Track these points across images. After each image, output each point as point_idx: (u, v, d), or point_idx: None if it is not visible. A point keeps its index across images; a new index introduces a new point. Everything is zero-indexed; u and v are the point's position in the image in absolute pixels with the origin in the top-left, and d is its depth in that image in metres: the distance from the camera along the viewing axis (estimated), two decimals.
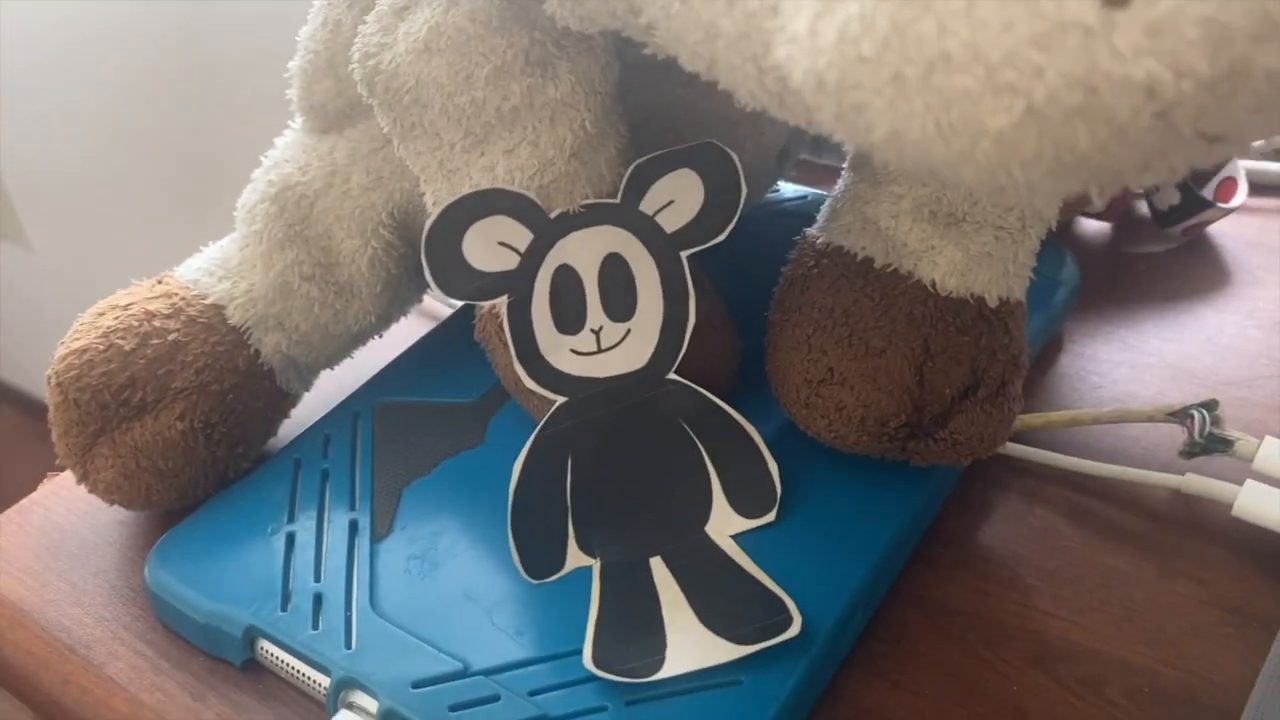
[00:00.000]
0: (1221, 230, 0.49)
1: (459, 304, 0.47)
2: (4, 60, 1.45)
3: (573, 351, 0.34)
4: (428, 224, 0.31)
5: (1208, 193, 0.47)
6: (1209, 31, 0.16)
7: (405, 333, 0.44)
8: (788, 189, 0.50)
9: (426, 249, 0.31)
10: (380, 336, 0.42)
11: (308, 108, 0.39)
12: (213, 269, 0.39)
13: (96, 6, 1.29)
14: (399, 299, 0.40)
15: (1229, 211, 0.47)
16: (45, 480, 0.42)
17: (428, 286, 0.42)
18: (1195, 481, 0.36)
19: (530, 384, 0.33)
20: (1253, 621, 0.33)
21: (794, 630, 0.30)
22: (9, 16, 1.39)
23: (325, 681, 0.32)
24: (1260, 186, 0.51)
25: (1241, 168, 0.49)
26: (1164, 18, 0.16)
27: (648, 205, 0.33)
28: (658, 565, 0.33)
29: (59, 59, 1.39)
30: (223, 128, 1.24)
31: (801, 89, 0.20)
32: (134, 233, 1.47)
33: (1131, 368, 0.42)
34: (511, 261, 0.32)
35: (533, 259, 0.33)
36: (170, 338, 0.36)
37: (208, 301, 0.38)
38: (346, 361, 0.42)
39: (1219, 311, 0.45)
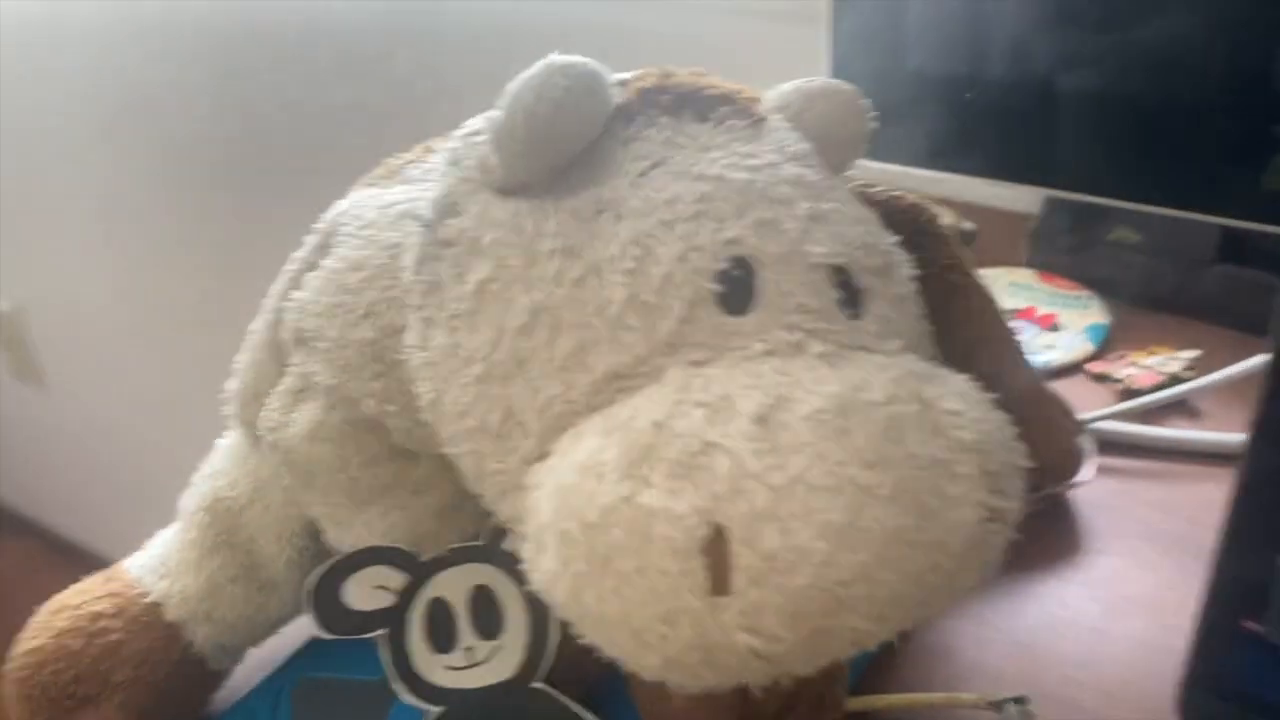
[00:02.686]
0: (1078, 494, 0.54)
1: None
2: (31, 226, 1.55)
3: (447, 667, 0.39)
4: (310, 581, 0.37)
5: None
6: (789, 612, 0.22)
7: None
8: None
9: (310, 601, 0.37)
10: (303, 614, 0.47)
11: (242, 422, 0.45)
12: (155, 566, 0.45)
13: (115, 168, 1.38)
14: None
15: (1077, 485, 0.52)
16: None
17: None
18: None
19: (409, 699, 0.39)
20: None
21: None
22: (38, 177, 1.49)
23: None
24: (1116, 445, 0.56)
25: (1090, 437, 0.53)
26: (752, 604, 0.22)
27: (510, 544, 0.39)
28: None
29: (82, 221, 1.48)
30: (236, 276, 1.31)
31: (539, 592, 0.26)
32: (147, 373, 1.54)
33: (977, 642, 0.47)
34: (388, 600, 0.38)
35: (407, 596, 0.38)
36: (113, 637, 0.42)
37: (148, 600, 0.43)
38: None
39: (1063, 581, 0.49)
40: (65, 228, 1.51)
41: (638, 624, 0.23)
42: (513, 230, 0.27)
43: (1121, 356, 0.62)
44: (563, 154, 0.27)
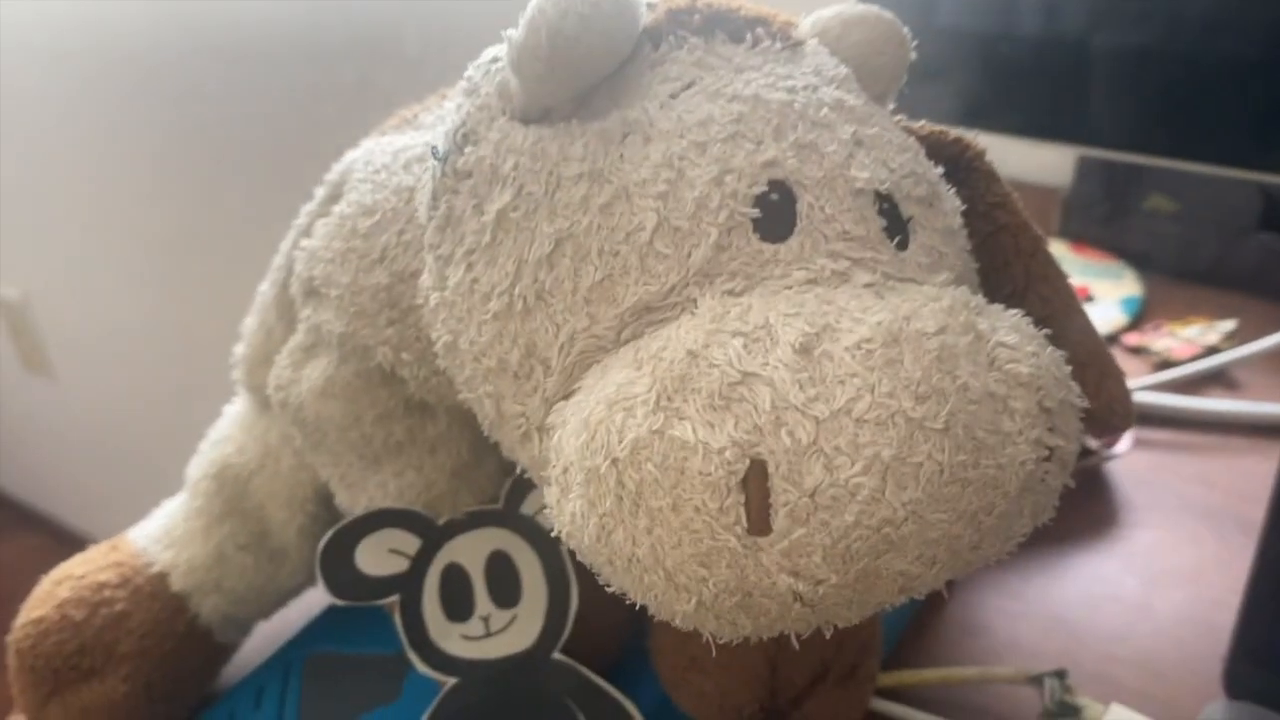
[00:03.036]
0: (1114, 467, 0.52)
1: None
2: (37, 215, 1.54)
3: (463, 636, 0.38)
4: (321, 544, 0.35)
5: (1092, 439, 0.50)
6: (835, 553, 0.20)
7: None
8: None
9: (322, 565, 0.36)
10: (315, 585, 0.46)
11: (250, 387, 0.44)
12: (160, 536, 0.43)
13: (122, 155, 1.38)
14: None
15: (1113, 458, 0.50)
16: (7, 717, 0.46)
17: None
18: None
19: (423, 669, 0.37)
20: None
21: None
22: (45, 166, 1.48)
23: None
24: (1153, 418, 0.54)
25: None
26: (796, 543, 0.20)
27: (528, 508, 0.37)
28: None
29: (88, 209, 1.47)
30: (245, 264, 1.30)
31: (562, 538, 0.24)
32: (155, 363, 1.53)
33: (1012, 618, 0.45)
34: (402, 565, 0.37)
35: (422, 561, 0.37)
36: (118, 608, 0.41)
37: (154, 570, 0.42)
38: None
39: (1101, 556, 0.48)
40: (73, 216, 1.51)
41: (671, 565, 0.21)
42: (535, 156, 0.26)
43: (1157, 328, 0.61)
44: (588, 77, 0.25)
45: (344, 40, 1.07)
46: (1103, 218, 0.67)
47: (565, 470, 0.24)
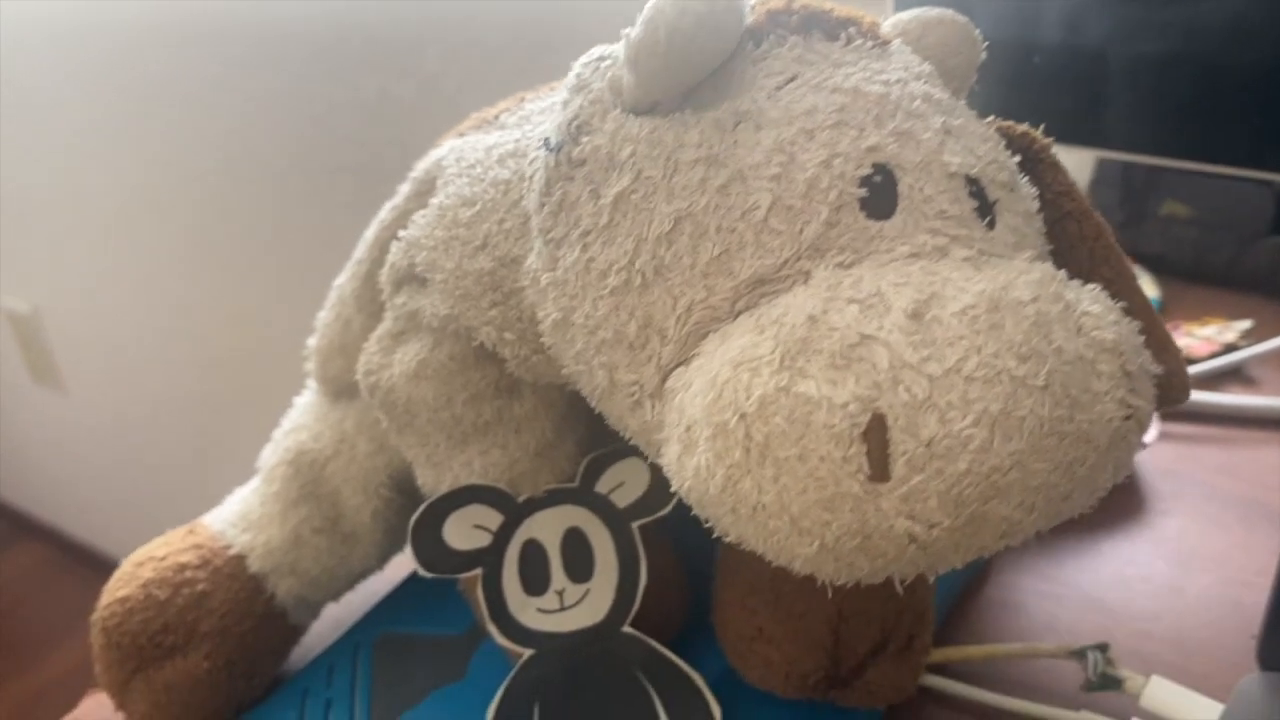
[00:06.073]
0: (1141, 458, 0.54)
1: None
2: (48, 229, 1.55)
3: (539, 610, 0.40)
4: (414, 518, 0.37)
5: None
6: (949, 498, 0.22)
7: (405, 559, 0.50)
8: None
9: (413, 538, 0.37)
10: (381, 570, 0.48)
11: (322, 378, 0.46)
12: (236, 520, 0.45)
13: (134, 168, 1.39)
14: (398, 542, 0.46)
15: (1141, 448, 0.52)
16: (87, 696, 0.48)
17: None
18: (1088, 718, 0.41)
19: (502, 640, 0.39)
20: None
21: None
22: (56, 179, 1.49)
23: None
24: (1175, 412, 0.56)
25: None
26: (913, 489, 0.22)
27: (602, 486, 0.39)
28: None
29: (99, 223, 1.48)
30: (256, 277, 1.32)
31: (681, 492, 0.26)
32: (164, 376, 1.54)
33: (1049, 599, 0.47)
34: (485, 540, 0.38)
35: (503, 536, 0.39)
36: (199, 588, 0.42)
37: (232, 552, 0.44)
38: None
39: (1132, 541, 0.50)
40: (83, 229, 1.52)
41: (796, 511, 0.23)
42: (652, 144, 0.28)
43: (1176, 327, 0.63)
44: (699, 71, 0.28)
45: (364, 53, 1.09)
46: (1120, 222, 0.69)
47: (689, 428, 0.25)
